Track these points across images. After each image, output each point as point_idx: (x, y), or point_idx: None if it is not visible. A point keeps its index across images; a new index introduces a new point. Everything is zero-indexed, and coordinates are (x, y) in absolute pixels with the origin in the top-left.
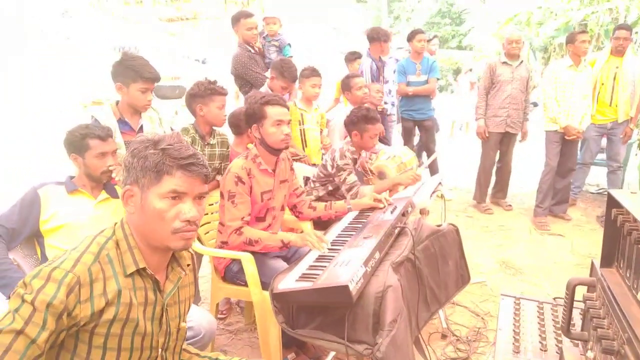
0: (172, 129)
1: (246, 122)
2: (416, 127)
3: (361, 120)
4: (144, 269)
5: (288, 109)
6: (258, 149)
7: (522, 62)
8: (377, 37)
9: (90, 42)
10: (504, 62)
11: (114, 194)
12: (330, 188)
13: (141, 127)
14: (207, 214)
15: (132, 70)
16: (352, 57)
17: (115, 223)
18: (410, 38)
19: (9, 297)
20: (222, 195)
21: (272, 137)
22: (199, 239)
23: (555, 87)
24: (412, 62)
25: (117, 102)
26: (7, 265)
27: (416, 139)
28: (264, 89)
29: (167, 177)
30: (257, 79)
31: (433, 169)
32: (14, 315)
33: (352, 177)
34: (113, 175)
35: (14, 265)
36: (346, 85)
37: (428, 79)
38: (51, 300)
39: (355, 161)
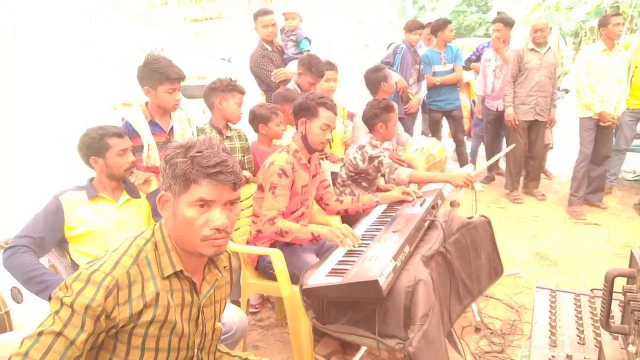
0: (196, 127)
1: (295, 115)
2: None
3: (383, 111)
4: (181, 271)
5: (336, 116)
6: (298, 144)
7: (549, 48)
8: (411, 29)
9: (117, 44)
10: (532, 49)
11: (135, 195)
12: (364, 184)
13: (172, 128)
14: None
15: (158, 73)
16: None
17: (155, 224)
18: (441, 27)
19: (49, 299)
20: (259, 187)
21: (315, 137)
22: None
23: (588, 72)
24: (436, 52)
25: (147, 103)
26: (42, 270)
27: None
28: (291, 85)
29: (195, 185)
30: (269, 78)
31: (462, 159)
32: (54, 317)
33: (387, 160)
34: (132, 179)
35: (48, 269)
36: (382, 77)
37: (454, 67)
38: (90, 302)
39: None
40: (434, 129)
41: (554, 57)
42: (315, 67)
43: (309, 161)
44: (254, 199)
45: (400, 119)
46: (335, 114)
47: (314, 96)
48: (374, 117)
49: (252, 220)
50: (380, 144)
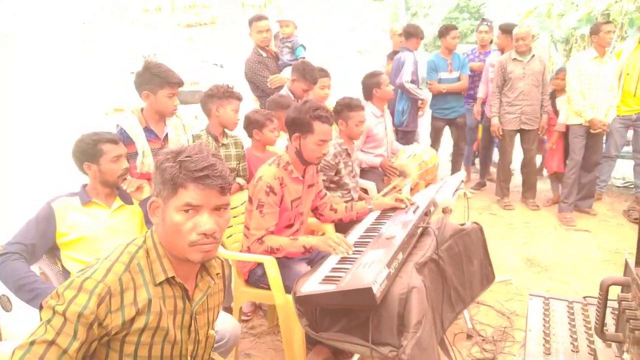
0: (192, 134)
1: (289, 127)
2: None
3: (344, 109)
4: (173, 277)
5: (332, 125)
6: (290, 154)
7: (533, 56)
8: (415, 33)
9: (111, 49)
10: (514, 59)
11: (128, 201)
12: (337, 188)
13: (166, 135)
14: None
15: (159, 77)
16: (394, 55)
17: (146, 231)
18: (443, 34)
19: (40, 308)
20: (250, 200)
21: (310, 153)
22: (222, 244)
23: (580, 79)
24: (442, 59)
25: (142, 110)
26: (33, 278)
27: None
28: (284, 91)
29: (182, 190)
30: (264, 84)
31: (456, 168)
32: (46, 326)
33: (322, 177)
34: (124, 186)
35: (40, 277)
36: (375, 83)
37: (460, 76)
38: (82, 310)
39: (345, 152)
40: (435, 138)
41: (540, 64)
42: (309, 74)
43: (303, 172)
44: (246, 210)
45: (410, 132)
46: (331, 124)
47: (308, 108)
48: (335, 114)
49: (244, 234)
50: (345, 142)
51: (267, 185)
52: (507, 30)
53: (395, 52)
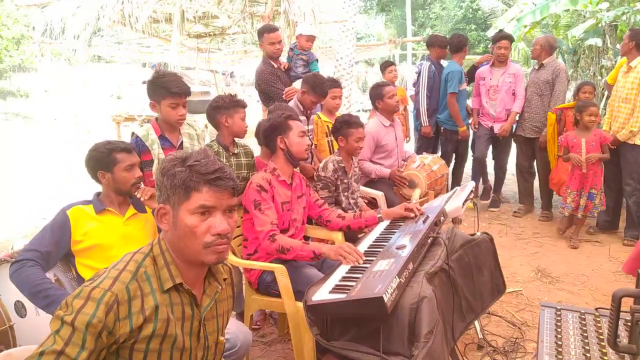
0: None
1: (270, 135)
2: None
3: (344, 126)
4: (180, 284)
5: (305, 123)
6: (276, 161)
7: (542, 65)
8: (435, 42)
9: (122, 59)
10: (533, 67)
11: (141, 209)
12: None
13: (181, 143)
14: (239, 226)
15: (161, 87)
16: (386, 65)
17: (153, 240)
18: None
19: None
20: (246, 208)
21: (298, 147)
22: (233, 252)
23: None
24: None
25: (157, 119)
26: (48, 285)
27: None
28: (293, 102)
29: (195, 193)
30: (279, 95)
31: (458, 179)
32: (55, 336)
33: (323, 193)
34: (137, 194)
35: (54, 284)
36: (378, 94)
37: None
38: (90, 319)
39: (342, 170)
40: (465, 152)
41: (551, 74)
42: (319, 87)
43: (292, 179)
44: (243, 221)
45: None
46: (300, 120)
47: (278, 114)
48: (335, 131)
49: (243, 245)
50: (344, 160)
51: (257, 185)
52: (494, 40)
53: (386, 62)
